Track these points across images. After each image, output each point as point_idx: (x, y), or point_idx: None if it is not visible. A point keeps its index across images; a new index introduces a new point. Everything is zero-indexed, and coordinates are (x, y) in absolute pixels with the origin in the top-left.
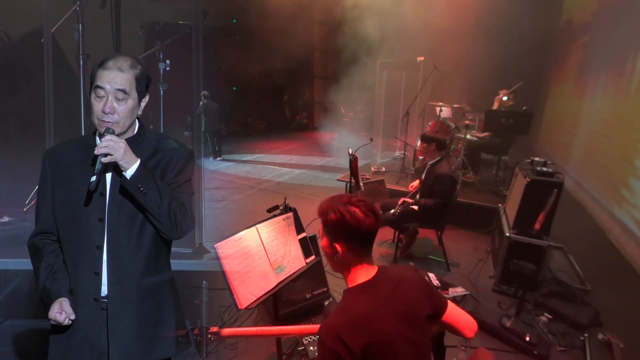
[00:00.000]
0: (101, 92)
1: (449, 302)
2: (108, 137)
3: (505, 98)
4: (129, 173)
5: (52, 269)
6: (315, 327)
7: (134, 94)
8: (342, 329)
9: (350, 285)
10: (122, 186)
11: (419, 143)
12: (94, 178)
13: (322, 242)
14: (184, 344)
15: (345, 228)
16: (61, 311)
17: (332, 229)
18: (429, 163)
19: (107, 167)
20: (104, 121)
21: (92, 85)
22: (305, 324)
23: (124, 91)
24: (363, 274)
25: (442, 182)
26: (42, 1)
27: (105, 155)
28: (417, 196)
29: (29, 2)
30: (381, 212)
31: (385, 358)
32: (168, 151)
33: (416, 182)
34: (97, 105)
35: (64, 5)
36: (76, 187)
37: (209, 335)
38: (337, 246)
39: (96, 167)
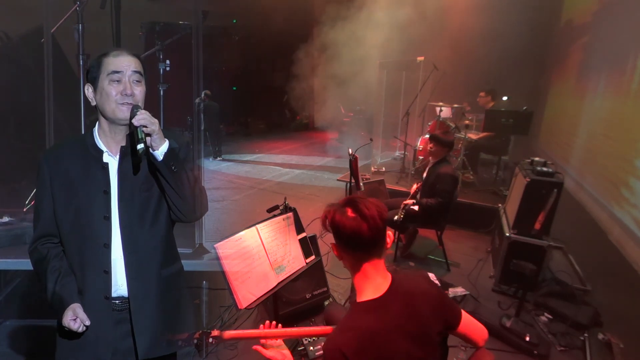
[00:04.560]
0: (118, 76)
1: (463, 312)
2: (142, 111)
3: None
4: (161, 151)
5: (60, 273)
6: (322, 329)
7: (144, 79)
8: (346, 346)
9: (359, 299)
10: (127, 180)
11: (419, 141)
12: (141, 145)
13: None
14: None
15: (332, 227)
16: (75, 318)
17: (329, 228)
18: (433, 162)
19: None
20: (124, 103)
21: (104, 74)
22: (308, 326)
23: (140, 73)
24: (372, 285)
25: (445, 181)
26: (42, 1)
27: (145, 126)
28: (418, 196)
29: (29, 2)
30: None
31: None
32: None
33: (415, 186)
34: (115, 90)
35: (64, 5)
36: (78, 186)
37: (211, 340)
38: (333, 246)
39: (139, 135)
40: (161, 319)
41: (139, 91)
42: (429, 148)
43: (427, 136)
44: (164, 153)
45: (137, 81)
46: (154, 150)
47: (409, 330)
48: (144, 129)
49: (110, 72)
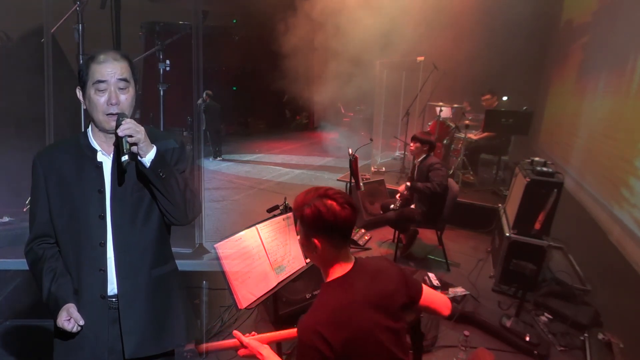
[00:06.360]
0: (103, 86)
1: (424, 286)
2: (128, 120)
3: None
4: (148, 158)
5: (55, 273)
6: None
7: (132, 82)
8: (321, 324)
9: (328, 280)
10: (122, 178)
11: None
12: (125, 157)
13: (300, 238)
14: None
15: (322, 223)
16: (69, 318)
17: (309, 224)
18: (418, 160)
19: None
20: (111, 114)
21: (90, 82)
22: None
23: (125, 80)
24: (340, 267)
25: (436, 168)
26: (42, 1)
27: (129, 136)
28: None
29: (29, 2)
30: (381, 212)
31: (366, 349)
32: (162, 143)
33: (403, 186)
34: (101, 99)
35: (64, 5)
36: (72, 186)
37: (186, 354)
38: (316, 241)
39: (124, 147)
40: (149, 319)
41: (125, 97)
42: (411, 148)
43: None
44: (151, 160)
45: (122, 88)
46: (141, 158)
47: (373, 302)
48: (129, 138)
49: (95, 80)
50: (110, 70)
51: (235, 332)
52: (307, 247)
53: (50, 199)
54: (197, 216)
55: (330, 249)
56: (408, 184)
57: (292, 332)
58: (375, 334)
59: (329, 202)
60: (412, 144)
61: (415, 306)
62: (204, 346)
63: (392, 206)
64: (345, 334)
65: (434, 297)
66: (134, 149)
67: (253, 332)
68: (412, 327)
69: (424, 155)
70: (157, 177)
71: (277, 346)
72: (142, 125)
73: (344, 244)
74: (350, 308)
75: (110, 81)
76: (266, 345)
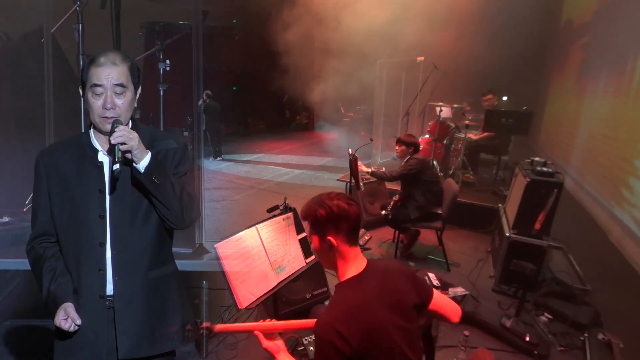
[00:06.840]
0: (99, 90)
1: (434, 290)
2: (121, 127)
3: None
4: (142, 164)
5: (55, 273)
6: (311, 321)
7: (131, 86)
8: (338, 321)
9: (341, 279)
10: (120, 179)
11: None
12: (117, 166)
13: (314, 243)
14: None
15: (336, 219)
16: (66, 317)
17: (323, 224)
18: (404, 162)
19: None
20: (106, 117)
21: (88, 84)
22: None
23: (121, 85)
24: (353, 266)
25: (409, 161)
26: (42, 1)
27: (122, 143)
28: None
29: (29, 2)
30: (380, 212)
31: (381, 346)
32: (163, 143)
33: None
34: (97, 103)
35: (64, 5)
36: (73, 186)
37: (201, 331)
38: (331, 239)
39: (116, 155)
40: (145, 320)
41: (122, 102)
42: (396, 150)
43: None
44: (145, 166)
45: (118, 93)
46: (135, 164)
47: (388, 301)
48: (122, 146)
49: (92, 84)
50: (107, 75)
51: (257, 332)
52: (321, 249)
53: (51, 198)
54: (195, 220)
55: (344, 245)
56: (370, 170)
57: (307, 322)
58: (389, 332)
59: (335, 201)
60: (397, 147)
61: (425, 309)
62: (219, 326)
63: (383, 212)
64: (362, 330)
65: (444, 303)
66: (128, 155)
67: (270, 319)
68: (423, 330)
69: (408, 157)
70: (151, 183)
71: None
72: (145, 126)
73: (356, 240)
74: (366, 306)
75: (106, 85)
76: (284, 348)
